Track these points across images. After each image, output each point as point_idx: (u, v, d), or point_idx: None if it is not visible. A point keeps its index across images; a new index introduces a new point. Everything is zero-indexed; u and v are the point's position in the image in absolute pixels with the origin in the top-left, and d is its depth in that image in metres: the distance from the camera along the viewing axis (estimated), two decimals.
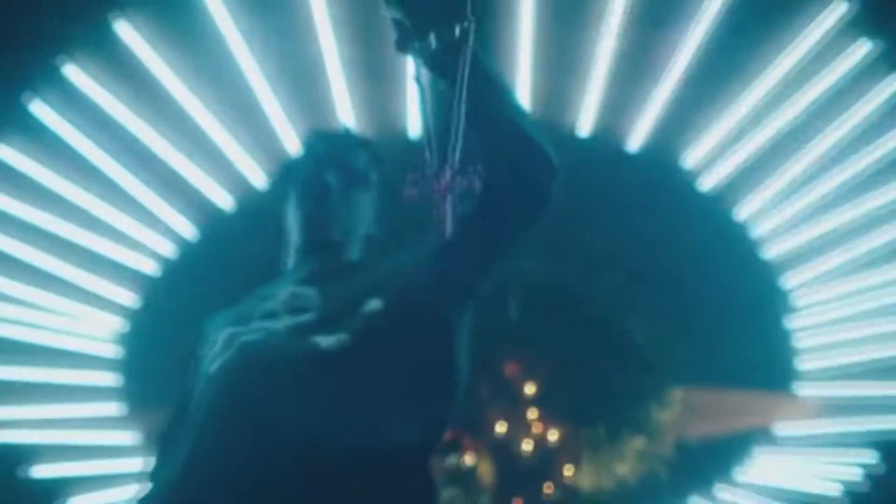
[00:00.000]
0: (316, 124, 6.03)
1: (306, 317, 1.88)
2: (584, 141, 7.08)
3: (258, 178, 6.98)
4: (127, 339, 7.54)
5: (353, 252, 2.08)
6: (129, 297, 7.45)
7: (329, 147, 2.14)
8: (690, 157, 7.26)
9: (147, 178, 6.99)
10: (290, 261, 2.11)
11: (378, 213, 2.13)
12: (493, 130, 1.74)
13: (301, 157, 2.19)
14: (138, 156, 6.84)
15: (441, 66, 1.64)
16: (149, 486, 1.86)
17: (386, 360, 1.79)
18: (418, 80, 1.61)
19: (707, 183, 7.37)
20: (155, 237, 7.30)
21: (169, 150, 6.88)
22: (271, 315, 1.92)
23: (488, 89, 1.71)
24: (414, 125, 6.44)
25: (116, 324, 7.50)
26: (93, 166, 6.77)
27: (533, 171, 1.78)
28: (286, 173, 2.21)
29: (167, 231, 7.29)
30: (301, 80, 6.54)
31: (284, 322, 1.88)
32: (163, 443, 1.93)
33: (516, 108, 1.78)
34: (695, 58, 6.56)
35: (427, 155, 1.31)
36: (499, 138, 1.75)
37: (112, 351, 7.55)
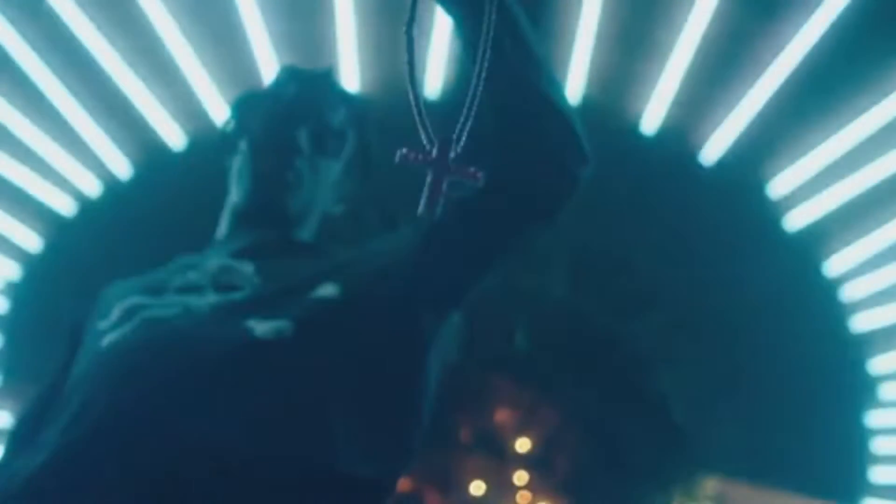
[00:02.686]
0: (307, 62, 6.04)
1: (238, 295, 1.88)
2: (646, 140, 7.10)
3: (222, 117, 6.98)
4: (19, 292, 7.55)
5: (307, 231, 2.08)
6: (33, 240, 7.46)
7: (305, 94, 2.14)
8: (777, 185, 7.26)
9: (85, 96, 7.00)
10: (225, 226, 2.11)
11: (347, 189, 2.13)
12: (517, 99, 1.76)
13: (266, 97, 2.18)
14: (79, 66, 6.85)
15: (461, 12, 1.64)
16: None
17: (334, 361, 1.79)
18: (409, 29, 1.56)
19: (793, 221, 7.37)
20: (80, 171, 7.32)
21: (119, 67, 6.89)
22: (192, 289, 1.92)
23: (516, 46, 1.72)
24: (431, 87, 6.48)
25: (11, 271, 7.50)
26: (21, 71, 6.78)
27: (559, 155, 1.80)
28: (242, 113, 2.20)
29: (97, 164, 7.30)
30: (300, 8, 6.56)
31: (209, 299, 1.88)
32: (21, 427, 1.93)
33: (547, 75, 1.79)
34: (803, 62, 6.57)
35: (421, 128, 1.32)
36: (522, 109, 1.77)
37: (1, 305, 7.57)
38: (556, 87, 1.81)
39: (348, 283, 1.87)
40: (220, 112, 6.88)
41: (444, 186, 1.33)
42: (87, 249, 6.85)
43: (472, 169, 1.34)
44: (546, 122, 1.78)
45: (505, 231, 1.86)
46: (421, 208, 1.31)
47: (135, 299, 1.92)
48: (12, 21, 6.56)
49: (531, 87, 1.76)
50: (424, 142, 1.32)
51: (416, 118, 1.32)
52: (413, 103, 1.33)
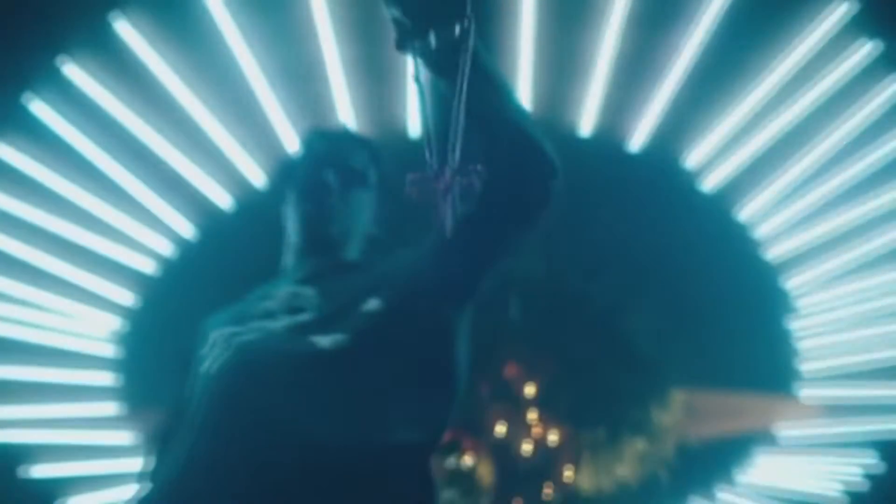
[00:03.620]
0: (315, 123, 6.04)
1: (305, 316, 1.88)
2: (585, 141, 7.09)
3: (257, 178, 6.99)
4: (126, 339, 7.54)
5: (352, 252, 2.07)
6: (127, 297, 7.45)
7: (328, 145, 2.14)
8: (692, 158, 7.27)
9: (146, 178, 6.99)
10: (289, 261, 2.11)
11: (377, 213, 2.13)
12: (494, 130, 1.75)
13: (300, 156, 2.19)
14: (138, 155, 6.85)
15: (441, 66, 1.64)
16: (147, 486, 1.86)
17: (385, 360, 1.79)
18: (418, 79, 1.61)
19: (709, 183, 7.38)
20: (154, 237, 7.30)
21: (168, 150, 6.89)
22: (269, 315, 1.92)
23: (489, 88, 1.71)
24: (414, 124, 6.45)
25: (115, 323, 7.49)
26: (92, 165, 6.78)
27: (534, 172, 1.79)
28: (285, 172, 2.21)
29: (166, 230, 7.29)
30: (301, 79, 6.55)
31: (283, 322, 1.88)
32: (161, 443, 1.93)
33: (517, 108, 1.79)
34: (697, 58, 6.58)
35: (427, 154, 1.31)
36: (500, 138, 1.76)
37: (111, 351, 7.54)
38: (525, 116, 1.81)
39: (388, 296, 1.86)
40: (257, 176, 6.93)
41: (453, 198, 1.32)
42: (176, 303, 6.85)
43: (472, 168, 1.32)
44: (522, 148, 1.77)
45: (500, 237, 1.85)
46: (439, 224, 1.30)
47: (227, 328, 1.92)
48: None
49: (507, 121, 1.76)
50: (427, 159, 1.31)
51: (426, 149, 1.31)
52: (424, 138, 1.32)
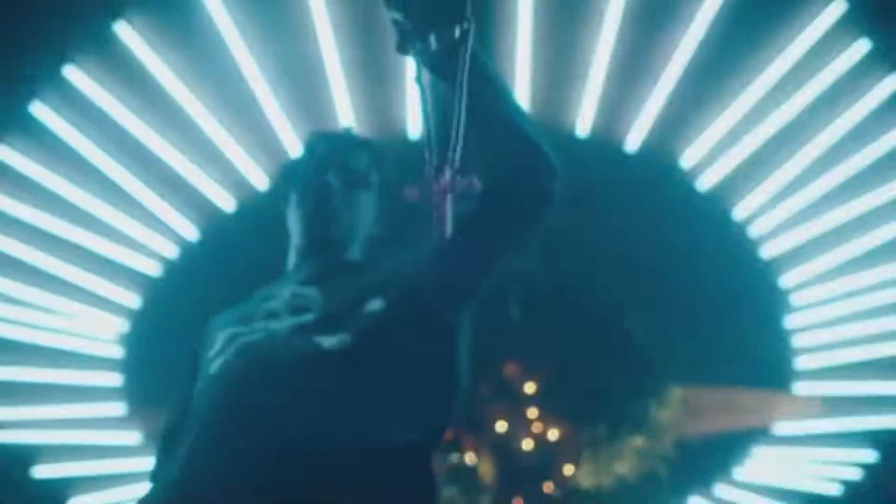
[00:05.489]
0: (316, 125, 6.03)
1: (308, 317, 1.88)
2: (582, 141, 7.09)
3: (259, 179, 7.00)
4: (130, 340, 7.54)
5: (355, 252, 2.08)
6: (131, 299, 7.45)
7: (330, 147, 2.15)
8: (689, 157, 7.27)
9: (149, 180, 7.00)
10: (292, 262, 2.11)
11: (379, 214, 2.13)
12: (494, 132, 1.75)
13: (302, 158, 2.19)
14: (140, 158, 6.85)
15: (441, 67, 1.64)
16: (149, 486, 1.86)
17: (387, 360, 1.79)
18: (419, 80, 1.61)
19: (705, 182, 7.38)
20: (157, 238, 7.30)
21: (170, 152, 6.89)
22: (273, 315, 1.92)
23: (488, 90, 1.71)
24: (414, 126, 6.44)
25: (119, 325, 7.49)
26: (94, 168, 6.78)
27: (534, 174, 1.79)
28: (288, 174, 2.22)
29: (169, 233, 7.29)
30: (301, 80, 6.56)
31: (286, 322, 1.88)
32: (163, 443, 1.93)
33: (516, 110, 1.78)
34: (692, 57, 6.58)
35: (427, 156, 1.30)
36: (499, 140, 1.76)
37: (115, 351, 7.55)
38: (524, 118, 1.80)
39: (390, 297, 1.86)
40: (259, 179, 6.91)
41: (449, 206, 1.31)
42: (182, 301, 6.86)
43: (468, 179, 1.32)
44: (522, 149, 1.77)
45: (500, 239, 1.85)
46: (436, 231, 1.30)
47: (231, 329, 1.92)
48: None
49: (507, 123, 1.75)
50: (427, 160, 1.30)
51: (426, 150, 1.30)
52: (425, 140, 1.32)
